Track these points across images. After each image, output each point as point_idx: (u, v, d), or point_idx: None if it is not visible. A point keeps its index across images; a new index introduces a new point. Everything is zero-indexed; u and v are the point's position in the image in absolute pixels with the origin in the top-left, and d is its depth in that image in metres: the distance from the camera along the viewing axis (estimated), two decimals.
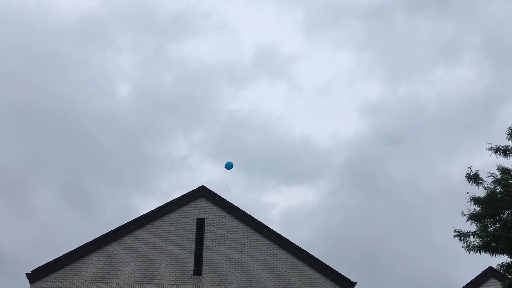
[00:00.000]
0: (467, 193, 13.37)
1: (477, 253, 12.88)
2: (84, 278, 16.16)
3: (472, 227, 13.15)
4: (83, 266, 16.39)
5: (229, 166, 16.80)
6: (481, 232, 12.94)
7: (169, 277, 16.58)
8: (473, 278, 19.59)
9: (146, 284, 16.29)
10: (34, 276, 15.98)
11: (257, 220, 18.23)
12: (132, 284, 16.23)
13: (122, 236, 17.13)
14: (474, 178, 13.57)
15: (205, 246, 17.38)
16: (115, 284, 16.16)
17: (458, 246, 13.35)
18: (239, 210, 18.31)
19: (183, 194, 18.49)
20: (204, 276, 16.78)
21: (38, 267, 16.13)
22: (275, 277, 17.10)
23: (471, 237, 12.98)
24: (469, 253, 12.98)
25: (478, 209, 13.16)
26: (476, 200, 13.20)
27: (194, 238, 17.49)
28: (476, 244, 12.92)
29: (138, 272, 16.53)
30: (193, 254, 17.17)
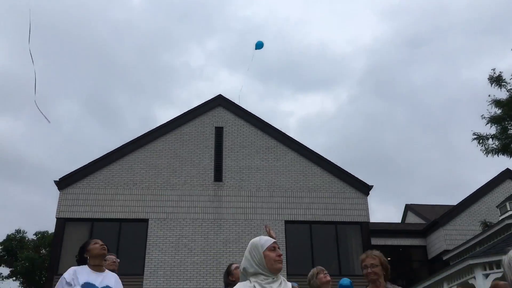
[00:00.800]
0: (489, 95, 13.13)
1: (495, 156, 12.90)
2: (109, 184, 16.84)
3: (492, 130, 13.08)
4: (108, 173, 17.03)
5: (259, 45, 15.98)
6: (501, 135, 12.88)
7: (191, 183, 17.16)
8: (489, 179, 19.92)
9: (169, 190, 16.94)
10: (62, 183, 16.71)
11: (274, 127, 18.41)
12: (156, 190, 16.89)
13: (143, 144, 17.56)
14: (497, 80, 13.26)
15: (224, 153, 17.78)
16: (139, 189, 16.84)
17: (476, 149, 13.44)
18: (256, 118, 18.45)
19: (200, 103, 18.63)
20: (224, 181, 17.32)
21: (65, 175, 16.81)
22: (293, 182, 17.57)
23: (490, 139, 12.96)
24: (486, 156, 13.05)
25: (499, 111, 13.00)
26: (497, 103, 13.00)
27: (213, 146, 17.85)
28: (495, 146, 12.93)
29: (161, 178, 17.12)
30: (213, 161, 17.62)
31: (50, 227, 35.02)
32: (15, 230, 32.94)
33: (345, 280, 10.04)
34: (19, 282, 31.63)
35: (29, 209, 60.77)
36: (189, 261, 15.90)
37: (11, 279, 31.07)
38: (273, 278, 2.72)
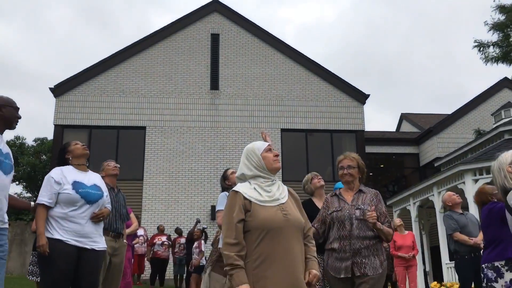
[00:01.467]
0: (494, 1, 12.70)
1: (494, 64, 12.75)
2: (106, 91, 16.76)
3: (494, 37, 12.82)
4: (104, 81, 16.88)
5: None
6: (502, 42, 12.64)
7: (187, 91, 17.09)
8: (487, 88, 19.91)
9: (165, 98, 16.90)
10: (57, 90, 16.61)
11: (272, 34, 17.98)
12: (152, 98, 16.85)
13: (138, 52, 17.23)
14: None
15: (220, 61, 17.52)
16: (136, 97, 16.79)
17: (476, 58, 13.33)
18: (253, 25, 17.95)
19: (195, 8, 18.00)
20: (221, 90, 17.24)
21: (61, 82, 16.67)
22: (290, 91, 17.52)
23: (491, 47, 12.73)
24: (486, 64, 12.90)
25: (502, 17, 12.63)
26: (501, 8, 12.58)
27: (209, 54, 17.54)
28: (495, 54, 12.74)
29: (157, 86, 17.01)
30: (209, 69, 17.41)
31: (49, 134, 35.41)
32: (14, 136, 33.31)
33: (340, 184, 10.41)
34: (22, 186, 32.64)
35: (27, 116, 61.04)
36: (187, 168, 16.29)
37: (14, 183, 32.06)
38: (272, 181, 2.78)
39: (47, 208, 3.58)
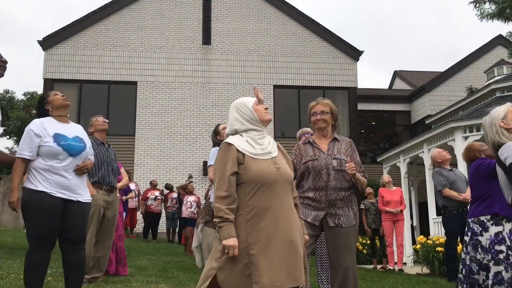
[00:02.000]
0: None
1: (490, 21, 12.60)
2: (95, 45, 16.44)
3: None
4: (93, 34, 16.53)
5: None
6: None
7: (179, 45, 16.81)
8: (481, 45, 19.79)
9: (156, 53, 16.64)
10: (46, 43, 16.26)
11: None
12: (143, 52, 16.58)
13: (128, 4, 16.80)
14: None
15: (213, 15, 17.16)
16: (126, 51, 16.51)
17: (471, 15, 13.04)
18: None
19: None
20: (213, 45, 16.98)
21: (49, 34, 16.30)
22: (283, 47, 17.30)
23: (487, 3, 12.54)
24: (481, 21, 12.74)
25: None
26: None
27: (201, 8, 17.15)
28: (491, 11, 12.57)
29: (148, 41, 16.70)
30: (201, 23, 17.07)
31: (39, 88, 34.93)
32: (3, 90, 32.90)
33: None
34: (13, 140, 32.52)
35: (15, 70, 60.03)
36: (179, 123, 16.26)
37: (5, 138, 31.90)
38: (263, 134, 2.78)
39: (27, 161, 3.47)
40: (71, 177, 3.51)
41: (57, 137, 3.50)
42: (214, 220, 2.52)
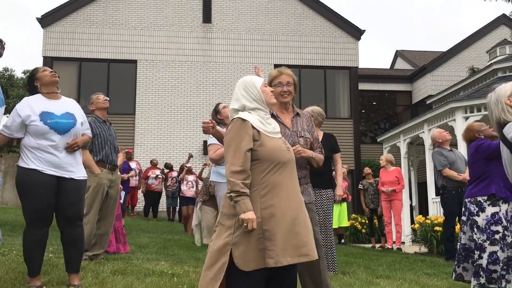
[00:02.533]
0: None
1: (493, 0, 12.45)
2: (95, 23, 16.30)
3: None
4: (92, 12, 16.36)
5: None
6: None
7: (179, 24, 16.66)
8: (484, 25, 19.60)
9: (156, 31, 16.50)
10: (45, 20, 16.12)
11: None
12: (143, 30, 16.44)
13: None
14: None
15: None
16: (126, 29, 16.37)
17: None
18: None
19: None
20: (214, 23, 16.82)
21: (48, 11, 16.14)
22: (284, 25, 17.14)
23: None
24: (484, 0, 12.56)
25: None
26: None
27: None
28: None
29: (148, 18, 16.55)
30: (202, 1, 16.89)
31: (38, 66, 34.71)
32: (3, 68, 32.72)
33: None
34: None
35: (15, 48, 59.63)
36: (179, 103, 16.21)
37: (4, 116, 31.82)
38: (269, 116, 2.79)
39: (7, 138, 3.47)
40: (62, 155, 3.47)
41: (44, 116, 3.44)
42: (229, 194, 2.51)
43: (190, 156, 12.63)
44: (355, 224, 11.72)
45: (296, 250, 2.51)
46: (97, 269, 4.27)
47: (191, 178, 11.35)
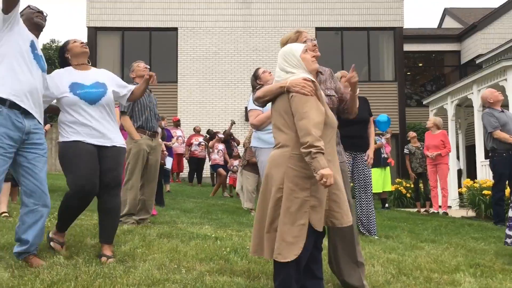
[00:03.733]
0: None
1: None
2: None
3: None
4: None
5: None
6: None
7: None
8: None
9: None
10: None
11: None
12: None
13: None
14: None
15: None
16: None
17: None
18: None
19: None
20: None
21: None
22: None
23: None
24: None
25: None
26: None
27: None
28: None
29: None
30: None
31: (83, 37, 35.49)
32: (50, 39, 33.65)
33: (383, 116, 10.11)
34: None
35: (62, 19, 61.04)
36: (220, 69, 16.22)
37: None
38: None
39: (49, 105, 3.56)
40: (99, 124, 3.49)
41: (74, 87, 3.46)
42: (308, 150, 2.46)
43: (233, 122, 12.69)
44: (399, 188, 11.54)
45: (349, 212, 2.69)
46: (144, 232, 4.41)
47: (221, 146, 11.66)
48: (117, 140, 3.62)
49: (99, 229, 3.60)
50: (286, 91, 2.65)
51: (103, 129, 3.52)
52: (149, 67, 5.33)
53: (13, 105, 3.04)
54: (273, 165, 2.65)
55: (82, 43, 3.66)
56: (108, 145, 3.53)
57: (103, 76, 3.68)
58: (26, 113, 3.12)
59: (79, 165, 3.38)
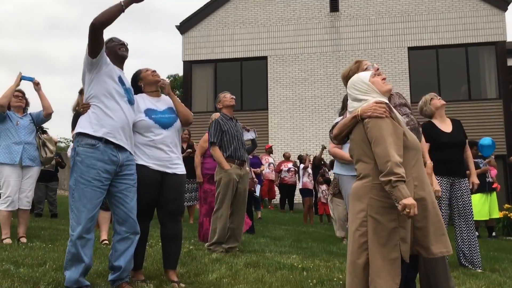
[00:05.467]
0: None
1: None
2: (226, 24, 17.04)
3: None
4: (224, 14, 17.12)
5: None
6: None
7: (306, 16, 16.64)
8: None
9: (284, 26, 16.69)
10: (183, 27, 17.29)
11: None
12: (271, 27, 16.75)
13: None
14: None
15: None
16: (255, 27, 16.83)
17: None
18: None
19: None
20: (341, 11, 16.48)
21: (185, 19, 17.29)
22: (417, 4, 16.12)
23: None
24: None
25: None
26: None
27: None
28: None
29: (275, 14, 16.81)
30: None
31: (180, 70, 37.53)
32: None
33: (486, 140, 9.39)
34: None
35: (161, 55, 65.28)
36: (310, 95, 16.21)
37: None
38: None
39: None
40: (167, 150, 3.61)
41: (148, 112, 3.61)
42: (388, 178, 2.35)
43: (323, 147, 12.53)
44: (508, 215, 10.57)
45: (443, 243, 2.51)
46: (231, 261, 4.43)
47: (311, 170, 11.44)
48: (181, 168, 3.70)
49: (163, 255, 3.67)
50: (360, 119, 2.55)
51: (171, 155, 3.62)
52: (234, 97, 5.45)
53: (108, 141, 3.26)
54: (355, 198, 2.55)
55: (153, 71, 3.82)
56: (171, 172, 3.61)
57: (171, 103, 3.81)
58: (119, 148, 3.31)
59: (140, 194, 3.46)
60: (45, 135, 5.80)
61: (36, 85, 5.46)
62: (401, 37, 16.05)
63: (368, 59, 15.50)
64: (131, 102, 3.47)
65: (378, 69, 3.32)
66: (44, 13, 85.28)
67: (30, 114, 5.57)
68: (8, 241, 5.16)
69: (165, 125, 3.63)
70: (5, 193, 5.24)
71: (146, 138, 3.57)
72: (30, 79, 5.42)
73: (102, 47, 3.25)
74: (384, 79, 2.71)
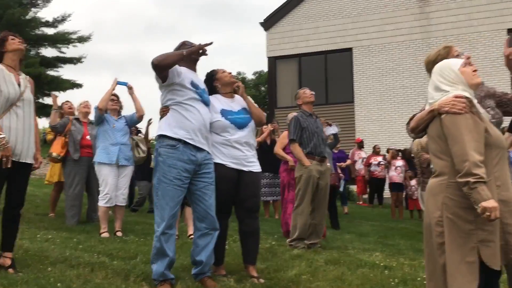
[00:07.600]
0: None
1: None
2: (310, 18, 16.90)
3: None
4: (307, 7, 17.00)
5: None
6: None
7: (393, 3, 16.07)
8: None
9: (370, 15, 16.20)
10: (267, 23, 17.45)
11: None
12: (356, 17, 16.34)
13: None
14: None
15: None
16: (339, 19, 16.52)
17: None
18: None
19: None
20: None
21: (269, 15, 17.44)
22: None
23: None
24: None
25: None
26: None
27: None
28: None
29: (360, 3, 16.36)
30: None
31: (264, 67, 37.99)
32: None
33: None
34: None
35: (246, 52, 66.37)
36: (398, 85, 15.61)
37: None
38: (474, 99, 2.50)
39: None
40: (243, 149, 3.70)
41: (224, 112, 3.72)
42: (466, 179, 2.19)
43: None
44: None
45: None
46: (312, 257, 4.43)
47: (399, 163, 10.91)
48: (256, 166, 3.80)
49: (243, 251, 3.79)
50: (437, 114, 2.41)
51: (247, 153, 3.72)
52: (314, 93, 5.42)
53: (187, 142, 3.41)
54: (430, 196, 2.42)
55: (230, 73, 3.93)
56: (247, 170, 3.71)
57: (244, 104, 3.89)
58: (197, 148, 3.46)
59: (218, 192, 3.58)
60: (138, 136, 6.19)
61: (130, 89, 5.83)
62: (499, 19, 14.89)
63: (462, 45, 14.64)
64: (206, 103, 3.60)
65: (469, 57, 3.06)
66: (142, 17, 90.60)
67: (124, 116, 5.96)
68: (106, 234, 5.57)
69: (240, 125, 3.74)
70: (104, 191, 5.65)
71: (222, 138, 3.69)
72: (124, 84, 5.80)
73: (168, 74, 3.41)
74: (475, 71, 2.52)
